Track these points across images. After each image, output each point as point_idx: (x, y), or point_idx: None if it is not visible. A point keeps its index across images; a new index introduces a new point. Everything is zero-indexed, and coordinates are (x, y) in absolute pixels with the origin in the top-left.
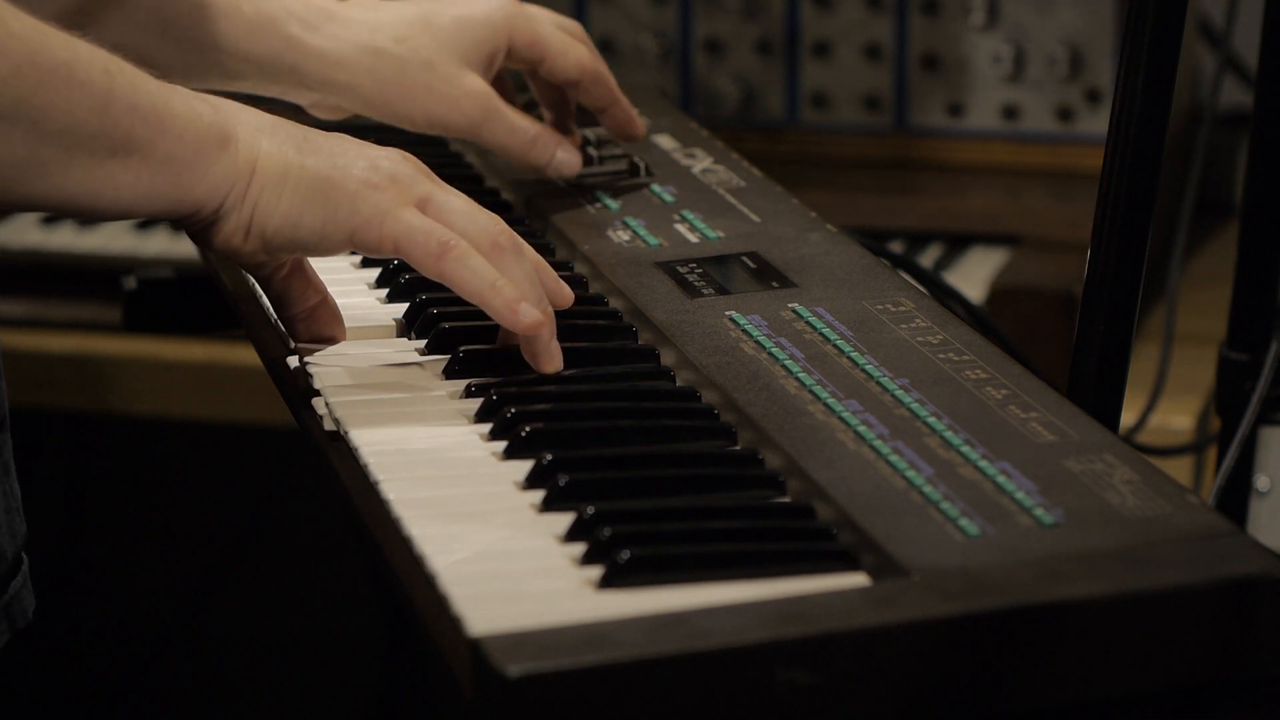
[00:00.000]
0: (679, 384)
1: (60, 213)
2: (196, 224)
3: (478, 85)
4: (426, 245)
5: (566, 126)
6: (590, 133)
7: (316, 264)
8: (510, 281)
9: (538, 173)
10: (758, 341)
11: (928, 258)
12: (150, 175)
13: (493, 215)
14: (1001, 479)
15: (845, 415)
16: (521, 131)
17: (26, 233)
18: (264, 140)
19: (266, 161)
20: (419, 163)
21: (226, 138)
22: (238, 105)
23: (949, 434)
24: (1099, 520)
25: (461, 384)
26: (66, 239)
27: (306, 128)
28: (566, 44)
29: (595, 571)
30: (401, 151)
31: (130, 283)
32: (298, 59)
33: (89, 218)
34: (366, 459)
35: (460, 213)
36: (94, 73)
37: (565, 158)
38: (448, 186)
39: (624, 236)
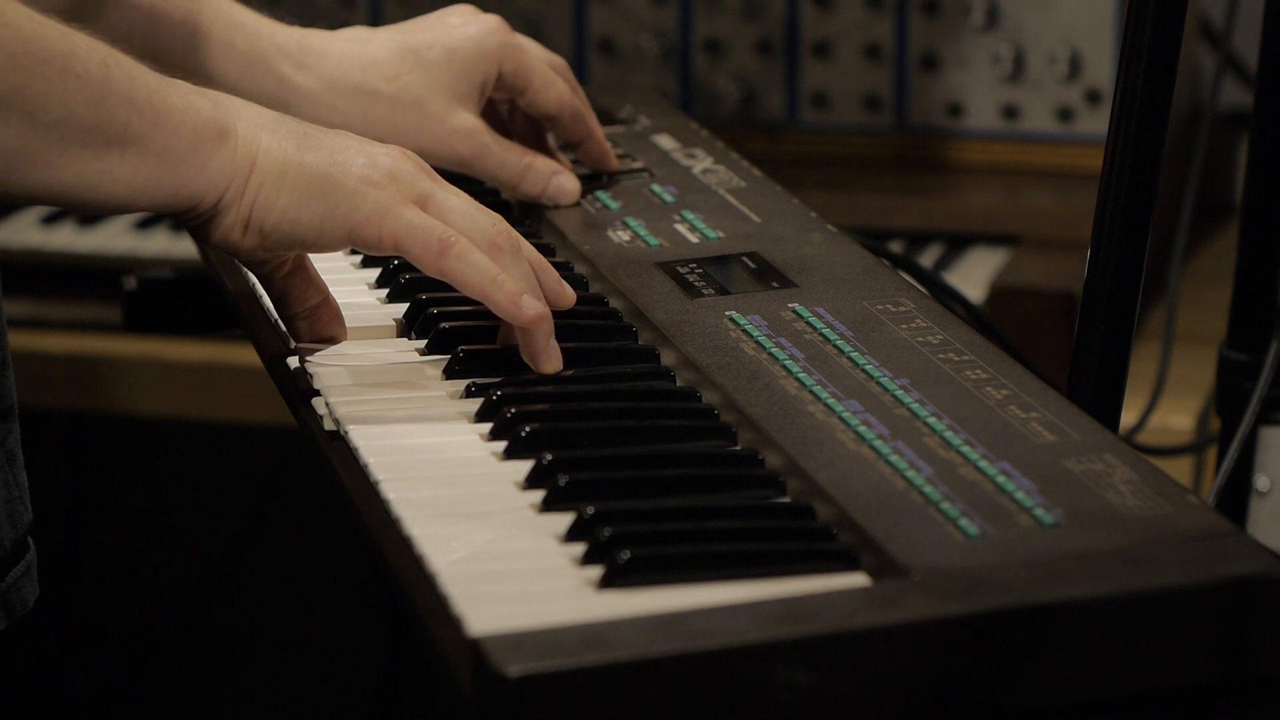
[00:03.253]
0: (679, 384)
1: (56, 204)
2: (194, 219)
3: (467, 122)
4: (427, 242)
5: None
6: None
7: (317, 263)
8: (510, 277)
9: (534, 201)
10: (758, 342)
11: (928, 258)
12: (147, 168)
13: (493, 214)
14: (1001, 479)
15: (845, 415)
16: (510, 165)
17: (26, 233)
18: (264, 135)
19: (265, 157)
20: (419, 160)
21: (225, 132)
22: (239, 101)
23: (949, 434)
24: (1099, 520)
25: (462, 384)
26: (66, 239)
27: (308, 124)
28: (550, 78)
29: (595, 571)
30: (402, 149)
31: (130, 283)
32: (289, 98)
33: (85, 210)
34: (366, 459)
35: (460, 212)
36: (91, 64)
37: (561, 184)
38: (448, 185)
39: (624, 236)
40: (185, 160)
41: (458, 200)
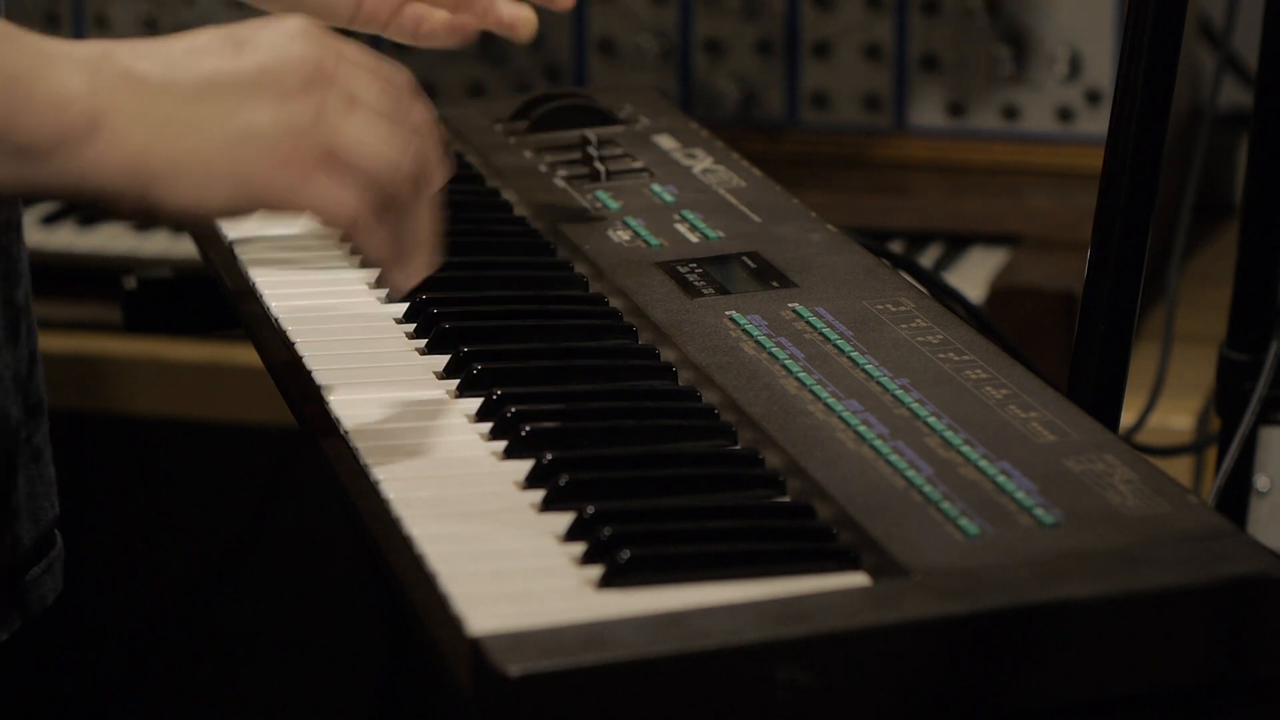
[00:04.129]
0: (679, 384)
1: None
2: (103, 206)
3: None
4: (335, 221)
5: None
6: (591, 133)
7: (311, 262)
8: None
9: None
10: (758, 341)
11: (928, 258)
12: (8, 164)
13: (399, 108)
14: (1001, 479)
15: (845, 415)
16: None
17: (27, 232)
18: (139, 130)
19: (148, 156)
20: (321, 61)
21: (95, 126)
22: (122, 73)
23: (949, 434)
24: (1099, 520)
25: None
26: (66, 239)
27: (196, 79)
28: None
29: (595, 571)
30: (304, 53)
31: (130, 283)
32: None
33: None
34: (366, 459)
35: (369, 148)
36: None
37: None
38: (353, 72)
39: (624, 236)
40: (48, 158)
41: (364, 126)
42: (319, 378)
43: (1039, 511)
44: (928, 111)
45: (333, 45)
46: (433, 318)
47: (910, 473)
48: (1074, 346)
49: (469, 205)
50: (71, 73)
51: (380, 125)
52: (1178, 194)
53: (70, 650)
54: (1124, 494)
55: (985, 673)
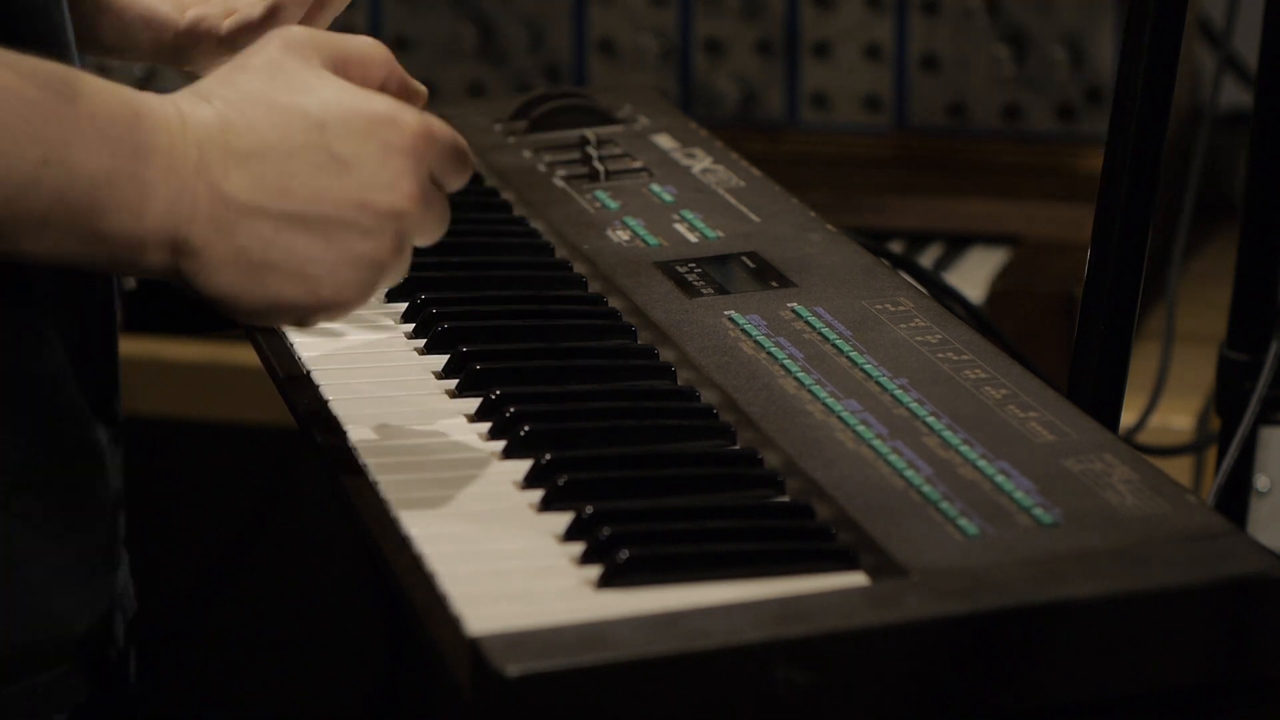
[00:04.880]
0: (678, 384)
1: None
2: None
3: None
4: None
5: None
6: (590, 133)
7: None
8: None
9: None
10: (757, 341)
11: (928, 258)
12: (74, 248)
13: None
14: (1000, 478)
15: (844, 415)
16: None
17: None
18: (218, 274)
19: (216, 289)
20: (414, 185)
21: (174, 252)
22: (209, 201)
23: (948, 433)
24: (1098, 520)
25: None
26: None
27: (287, 213)
28: None
29: (594, 571)
30: (403, 180)
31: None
32: None
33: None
34: (365, 459)
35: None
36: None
37: None
38: (440, 189)
39: (623, 236)
40: (124, 261)
41: (434, 234)
42: (317, 377)
43: (1038, 511)
44: (928, 111)
45: (427, 155)
46: (432, 317)
47: (909, 472)
48: (1074, 346)
49: (468, 205)
50: (159, 181)
51: (441, 225)
52: (1178, 194)
53: None
54: (1123, 494)
55: (984, 673)
